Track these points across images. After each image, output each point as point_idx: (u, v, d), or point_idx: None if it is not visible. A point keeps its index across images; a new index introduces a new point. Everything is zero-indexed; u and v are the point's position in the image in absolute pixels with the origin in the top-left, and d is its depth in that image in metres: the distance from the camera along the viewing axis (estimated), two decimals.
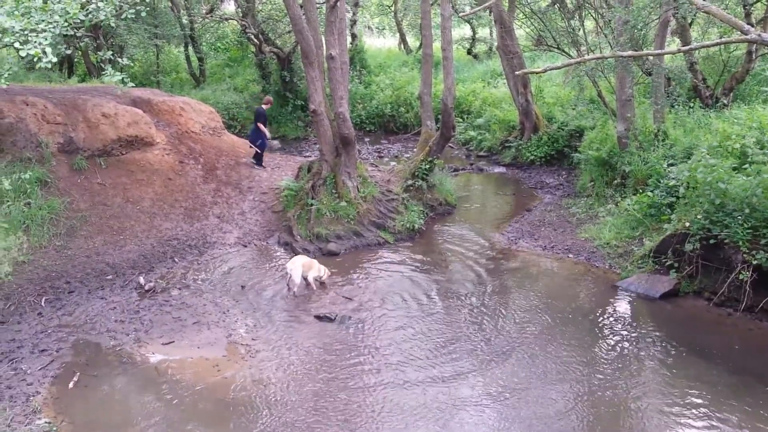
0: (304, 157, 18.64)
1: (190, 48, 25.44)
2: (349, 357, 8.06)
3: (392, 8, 32.59)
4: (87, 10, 9.13)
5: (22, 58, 7.98)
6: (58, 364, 7.79)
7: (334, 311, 9.23)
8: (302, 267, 9.80)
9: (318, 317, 9.10)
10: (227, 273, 10.79)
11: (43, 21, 8.21)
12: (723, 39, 10.65)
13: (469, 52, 31.35)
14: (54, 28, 8.26)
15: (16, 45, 7.97)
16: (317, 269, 10.11)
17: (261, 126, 15.26)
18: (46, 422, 6.65)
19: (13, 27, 7.97)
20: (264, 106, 15.71)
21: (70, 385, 7.36)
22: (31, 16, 8.27)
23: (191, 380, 7.51)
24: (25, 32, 8.02)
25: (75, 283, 9.96)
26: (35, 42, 7.90)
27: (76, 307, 9.27)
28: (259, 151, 15.49)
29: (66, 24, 8.43)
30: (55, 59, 7.97)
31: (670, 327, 8.83)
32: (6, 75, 8.61)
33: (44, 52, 7.89)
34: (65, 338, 8.41)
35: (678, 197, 10.38)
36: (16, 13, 8.26)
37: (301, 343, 8.39)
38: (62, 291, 9.69)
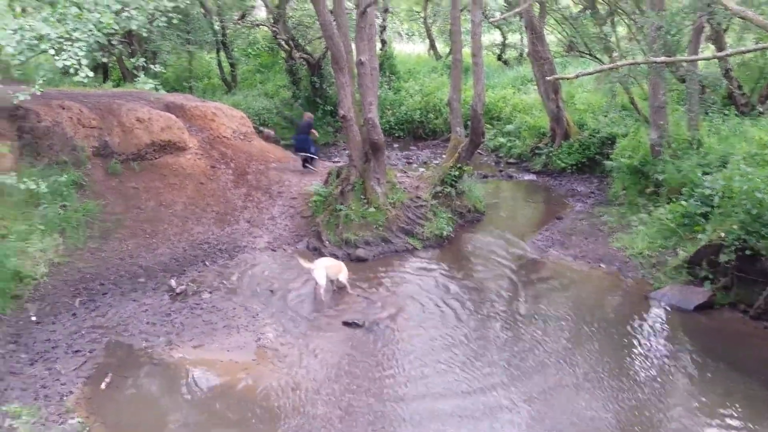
0: (333, 162, 18.71)
1: (222, 54, 25.76)
2: (378, 364, 8.06)
3: (422, 14, 32.61)
4: (120, 17, 9.29)
5: (59, 69, 8.13)
6: (91, 365, 7.92)
7: (362, 317, 9.24)
8: (325, 269, 9.82)
9: (346, 323, 9.11)
10: (257, 277, 10.87)
11: (77, 29, 8.38)
12: (759, 45, 10.43)
13: (499, 58, 31.19)
14: (88, 37, 8.43)
15: (51, 52, 8.13)
16: (343, 271, 10.11)
17: (315, 132, 17.00)
18: (78, 422, 6.75)
19: (49, 34, 8.14)
20: (309, 119, 17.06)
21: (103, 385, 7.48)
22: (66, 23, 8.44)
23: (220, 383, 7.57)
24: (61, 40, 8.18)
25: (108, 284, 10.13)
26: (71, 52, 8.06)
27: (109, 309, 9.42)
28: (315, 157, 16.65)
29: (100, 33, 8.58)
30: (91, 74, 8.11)
31: (704, 339, 8.66)
32: (41, 81, 8.79)
33: (79, 64, 8.04)
34: (98, 339, 8.55)
35: (713, 207, 10.19)
36: (51, 19, 8.44)
37: (329, 349, 8.42)
38: (96, 292, 9.86)
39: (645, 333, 8.88)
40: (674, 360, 8.08)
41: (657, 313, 9.45)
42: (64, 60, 7.98)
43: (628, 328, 8.98)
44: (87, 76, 8.02)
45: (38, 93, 8.73)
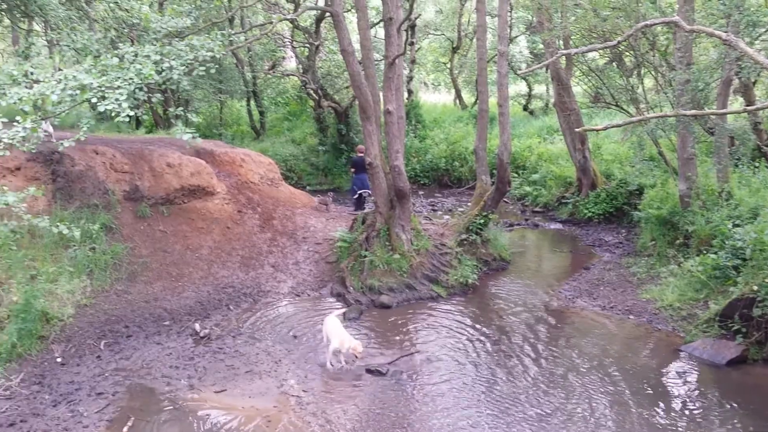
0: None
1: (252, 102, 26.40)
2: (400, 415, 7.89)
3: (448, 65, 33.15)
4: (160, 68, 9.58)
5: (100, 112, 8.38)
6: (114, 408, 7.89)
7: (385, 365, 9.11)
8: (325, 326, 9.34)
9: (369, 371, 8.99)
10: (280, 322, 10.84)
11: (119, 78, 8.66)
12: None
13: (525, 108, 31.45)
14: (129, 85, 8.70)
15: (94, 100, 8.40)
16: (339, 339, 9.03)
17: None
18: None
19: (91, 84, 8.43)
20: (360, 155, 16.60)
21: (124, 429, 7.42)
22: (108, 74, 8.74)
23: (241, 430, 7.47)
24: (102, 89, 8.46)
25: (133, 327, 10.18)
26: (112, 98, 8.32)
27: (134, 352, 9.44)
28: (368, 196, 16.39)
29: (140, 83, 8.85)
30: (132, 113, 8.36)
31: (737, 395, 8.35)
32: (84, 129, 9.06)
33: (121, 107, 8.29)
34: (121, 382, 8.55)
35: (745, 259, 9.96)
36: (93, 71, 8.75)
37: (351, 397, 8.29)
38: (121, 335, 9.90)
39: (676, 387, 8.60)
40: (706, 416, 7.79)
41: (688, 367, 9.17)
42: (106, 105, 8.23)
43: (659, 382, 8.71)
44: (128, 116, 8.26)
45: (83, 139, 8.98)
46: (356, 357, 9.00)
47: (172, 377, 8.72)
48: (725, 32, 7.53)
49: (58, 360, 8.99)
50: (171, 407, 7.95)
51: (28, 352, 8.94)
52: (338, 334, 9.10)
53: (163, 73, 9.36)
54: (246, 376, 8.83)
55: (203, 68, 9.95)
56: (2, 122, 8.89)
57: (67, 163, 12.16)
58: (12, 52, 26.13)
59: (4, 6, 14.02)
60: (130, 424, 7.52)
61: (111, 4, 14.09)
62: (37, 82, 8.67)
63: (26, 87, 8.51)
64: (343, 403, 8.16)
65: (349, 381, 8.77)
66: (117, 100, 8.19)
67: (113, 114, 8.24)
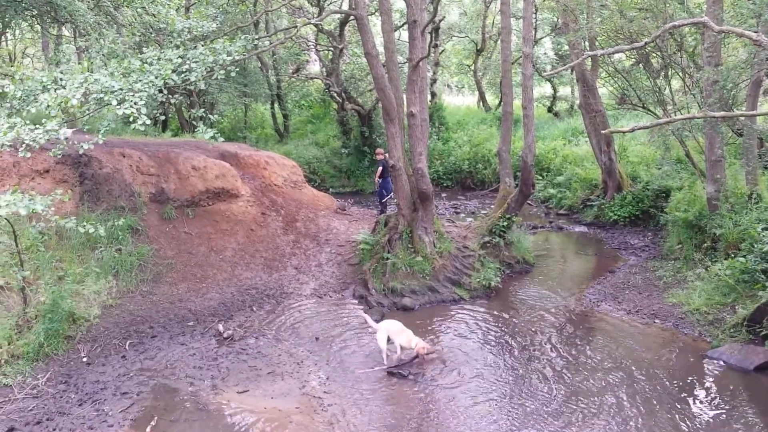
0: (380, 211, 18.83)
1: (276, 105, 26.61)
2: (422, 417, 7.87)
3: (472, 67, 33.05)
4: (180, 69, 9.71)
5: (126, 116, 8.51)
6: (138, 408, 7.98)
7: (407, 367, 9.09)
8: (387, 332, 9.35)
9: (391, 372, 8.98)
10: (302, 324, 10.88)
11: (140, 81, 8.81)
12: None
13: (549, 110, 31.21)
14: (149, 87, 8.83)
15: (113, 102, 8.54)
16: (406, 337, 9.30)
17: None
18: None
19: (113, 86, 8.58)
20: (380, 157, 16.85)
21: (148, 429, 7.51)
22: (130, 77, 8.89)
23: (263, 431, 7.51)
24: (123, 91, 8.61)
25: (158, 328, 10.29)
26: (131, 101, 8.45)
27: (158, 352, 9.55)
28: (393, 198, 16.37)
29: (161, 84, 8.97)
30: (149, 121, 8.47)
31: (765, 401, 8.18)
32: (104, 131, 9.20)
33: (139, 113, 8.41)
34: (146, 382, 8.65)
35: None
36: (115, 74, 8.90)
37: (373, 399, 8.29)
38: (146, 335, 10.03)
39: (702, 393, 8.45)
40: (733, 422, 7.63)
41: (715, 373, 9.00)
42: (125, 109, 8.36)
43: (685, 386, 8.56)
44: (144, 124, 8.37)
45: (101, 142, 9.13)
46: (423, 356, 9.16)
47: (196, 377, 8.80)
48: (755, 32, 7.39)
49: (84, 360, 9.14)
50: (194, 407, 8.03)
51: (54, 352, 9.11)
52: (404, 332, 9.33)
53: (183, 75, 9.48)
54: (268, 377, 8.88)
55: (223, 72, 10.04)
56: (30, 127, 9.07)
57: (95, 166, 12.36)
58: (41, 57, 26.66)
59: (35, 12, 14.34)
60: (153, 423, 7.61)
61: (138, 9, 14.33)
62: (65, 87, 8.86)
63: (55, 93, 8.70)
64: (364, 404, 8.15)
65: (370, 383, 8.76)
66: (135, 104, 8.31)
67: (131, 119, 8.36)
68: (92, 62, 12.50)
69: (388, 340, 9.33)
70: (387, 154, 15.01)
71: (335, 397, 8.32)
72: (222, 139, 10.41)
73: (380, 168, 17.26)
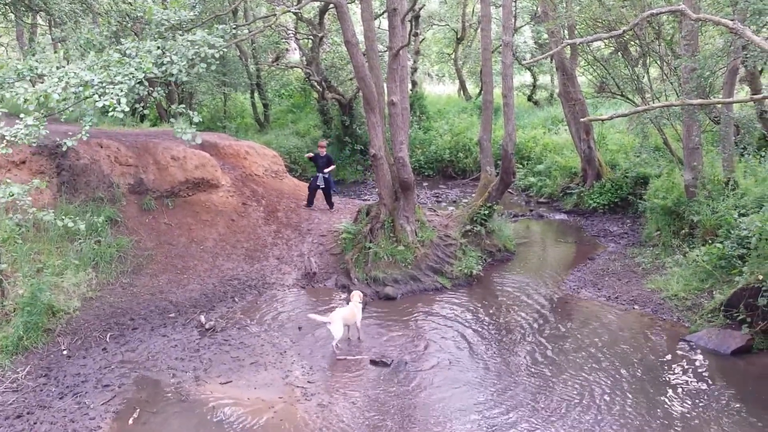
0: (363, 200, 18.81)
1: (256, 94, 26.38)
2: (404, 404, 7.93)
3: (452, 56, 33.04)
4: (161, 61, 9.57)
5: (99, 108, 8.38)
6: (120, 400, 7.94)
7: (389, 356, 9.14)
8: (342, 320, 9.42)
9: (374, 362, 9.02)
10: (285, 314, 10.87)
11: (119, 74, 8.67)
12: None
13: (529, 99, 31.31)
14: (130, 80, 8.70)
15: (95, 97, 8.41)
16: (358, 315, 9.75)
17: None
18: None
19: (93, 80, 8.44)
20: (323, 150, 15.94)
21: (130, 421, 7.48)
22: (110, 69, 8.75)
23: (247, 421, 7.51)
24: (104, 84, 8.48)
25: (139, 320, 10.22)
26: (112, 93, 8.34)
27: (139, 344, 9.48)
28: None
29: (141, 76, 8.83)
30: (127, 108, 8.36)
31: (742, 384, 8.34)
32: (87, 127, 9.05)
33: (118, 102, 8.30)
34: (127, 374, 8.59)
35: (750, 249, 9.93)
36: (95, 67, 8.75)
37: (356, 388, 8.32)
38: (126, 327, 9.95)
39: (680, 377, 8.59)
40: (711, 405, 7.78)
41: (693, 357, 9.16)
42: (105, 101, 8.24)
43: (663, 371, 8.71)
44: (123, 111, 8.26)
45: (84, 138, 8.99)
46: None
47: (178, 369, 8.76)
48: (732, 20, 7.47)
49: (65, 352, 9.05)
50: (177, 399, 8.00)
51: (34, 345, 9.00)
52: (358, 313, 9.78)
53: (163, 68, 9.35)
54: (251, 367, 8.86)
55: (204, 65, 9.90)
56: (3, 112, 8.91)
57: (72, 157, 12.18)
58: (15, 47, 26.16)
59: (8, 0, 14.05)
60: (135, 415, 7.57)
61: None
62: (41, 77, 8.70)
63: (30, 82, 8.54)
64: (347, 393, 8.19)
65: (353, 372, 8.80)
66: (116, 95, 8.20)
67: (110, 108, 8.24)
68: (69, 53, 12.31)
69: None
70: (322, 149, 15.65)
71: (319, 387, 8.33)
72: (200, 140, 10.29)
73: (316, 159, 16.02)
